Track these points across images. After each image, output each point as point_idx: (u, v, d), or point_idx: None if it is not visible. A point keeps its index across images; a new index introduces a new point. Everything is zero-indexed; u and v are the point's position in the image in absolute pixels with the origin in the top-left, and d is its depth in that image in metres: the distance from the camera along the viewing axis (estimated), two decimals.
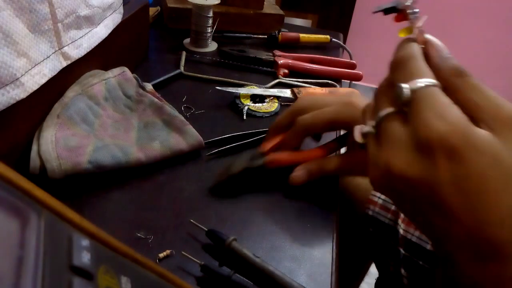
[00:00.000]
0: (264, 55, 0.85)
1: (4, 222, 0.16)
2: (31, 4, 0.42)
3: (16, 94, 0.40)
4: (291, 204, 0.50)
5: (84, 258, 0.18)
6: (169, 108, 0.56)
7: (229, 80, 0.76)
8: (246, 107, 0.67)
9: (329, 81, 0.81)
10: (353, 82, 0.87)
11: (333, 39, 0.99)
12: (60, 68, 0.48)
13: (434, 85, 0.26)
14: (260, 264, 0.39)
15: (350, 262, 0.87)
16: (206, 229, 0.42)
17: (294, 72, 0.82)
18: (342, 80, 0.86)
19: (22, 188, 0.18)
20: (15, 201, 0.17)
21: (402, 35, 0.30)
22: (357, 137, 0.31)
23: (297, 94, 0.71)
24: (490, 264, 0.25)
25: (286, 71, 0.81)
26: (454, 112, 0.25)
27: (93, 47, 0.55)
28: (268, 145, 0.51)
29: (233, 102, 0.68)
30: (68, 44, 0.50)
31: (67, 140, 0.47)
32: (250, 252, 0.40)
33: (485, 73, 2.29)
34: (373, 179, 0.30)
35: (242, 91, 0.70)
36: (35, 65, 0.43)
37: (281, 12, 1.00)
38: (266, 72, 0.82)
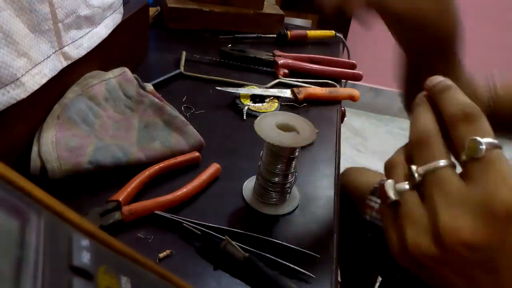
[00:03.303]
0: (264, 55, 0.85)
1: (4, 222, 0.16)
2: (31, 4, 0.42)
3: (17, 94, 0.40)
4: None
5: (84, 258, 0.18)
6: (169, 108, 0.56)
7: (229, 80, 0.76)
8: (246, 107, 0.66)
9: (329, 81, 0.81)
10: (353, 82, 0.87)
11: (337, 34, 1.01)
12: (61, 68, 0.48)
13: (497, 147, 0.25)
14: (259, 266, 0.39)
15: (359, 268, 0.87)
16: (199, 233, 0.42)
17: (294, 72, 0.82)
18: (342, 80, 0.86)
19: (22, 188, 0.18)
20: (15, 201, 0.17)
21: None
22: (391, 193, 0.27)
23: (297, 94, 0.71)
24: None
25: (286, 71, 0.81)
26: None
27: (93, 47, 0.55)
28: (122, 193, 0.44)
29: (233, 102, 0.68)
30: (69, 44, 0.50)
31: (67, 140, 0.47)
32: (243, 254, 0.40)
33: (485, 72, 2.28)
34: (415, 245, 0.26)
35: (242, 91, 0.70)
36: (36, 65, 0.43)
37: (281, 12, 1.00)
38: (266, 72, 0.82)
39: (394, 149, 0.31)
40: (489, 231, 0.23)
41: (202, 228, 0.42)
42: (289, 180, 0.48)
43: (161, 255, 0.40)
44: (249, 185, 0.51)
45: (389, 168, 0.29)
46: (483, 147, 0.24)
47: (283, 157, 0.45)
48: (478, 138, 0.24)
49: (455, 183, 0.25)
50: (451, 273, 0.26)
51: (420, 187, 0.27)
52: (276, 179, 0.46)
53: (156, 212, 0.44)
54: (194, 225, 0.43)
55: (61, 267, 0.17)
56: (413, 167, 0.27)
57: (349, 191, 0.79)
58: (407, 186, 0.26)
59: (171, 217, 0.43)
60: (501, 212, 0.23)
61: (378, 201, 0.68)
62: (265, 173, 0.47)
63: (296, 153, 0.45)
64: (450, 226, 0.24)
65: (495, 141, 0.25)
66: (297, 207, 0.49)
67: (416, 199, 0.26)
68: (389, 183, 0.28)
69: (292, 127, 0.45)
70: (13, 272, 0.15)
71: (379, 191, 0.35)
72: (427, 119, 0.28)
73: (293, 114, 0.47)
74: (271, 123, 0.45)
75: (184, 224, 0.43)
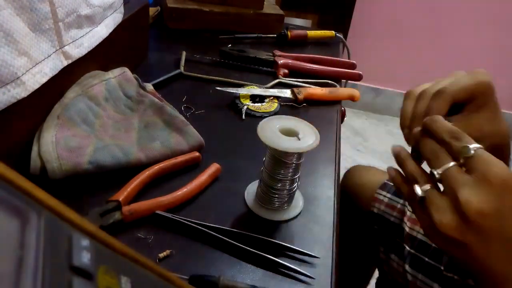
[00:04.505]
0: (264, 55, 0.85)
1: (4, 222, 0.16)
2: (31, 3, 0.42)
3: (17, 93, 0.40)
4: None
5: (84, 258, 0.18)
6: (169, 108, 0.56)
7: (229, 80, 0.76)
8: (245, 107, 0.66)
9: (329, 81, 0.81)
10: (353, 82, 0.87)
11: (337, 34, 1.02)
12: (61, 67, 0.48)
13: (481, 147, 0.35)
14: None
15: (356, 263, 0.88)
16: (187, 277, 0.38)
17: (294, 72, 0.82)
18: (342, 80, 0.86)
19: (22, 188, 0.18)
20: (15, 201, 0.17)
21: None
22: (418, 191, 0.37)
23: (297, 94, 0.71)
24: None
25: (286, 71, 0.81)
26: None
27: (94, 46, 0.55)
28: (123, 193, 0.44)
29: (233, 102, 0.68)
30: (69, 43, 0.50)
31: (67, 140, 0.47)
32: (245, 284, 0.38)
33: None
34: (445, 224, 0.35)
35: (242, 91, 0.70)
36: (36, 64, 0.43)
37: (281, 12, 1.00)
38: (266, 72, 0.82)
39: None
40: (491, 198, 0.33)
41: (202, 228, 0.42)
42: (292, 186, 0.46)
43: (161, 255, 0.40)
44: (251, 190, 0.50)
45: (411, 175, 0.39)
46: (472, 147, 0.35)
47: (286, 163, 0.44)
48: (467, 144, 0.35)
49: (463, 174, 0.35)
50: (472, 238, 0.34)
51: (436, 185, 0.37)
52: (279, 185, 0.45)
53: (157, 212, 0.44)
54: (194, 225, 0.43)
55: (61, 267, 0.17)
56: (433, 171, 0.37)
57: (354, 188, 0.80)
58: (429, 186, 0.37)
59: (172, 217, 0.43)
60: (496, 181, 0.33)
61: (388, 195, 0.70)
62: (267, 179, 0.46)
63: (300, 159, 0.44)
64: (466, 200, 0.33)
65: (478, 145, 0.35)
66: (299, 213, 0.48)
67: (436, 192, 0.36)
68: (416, 186, 0.38)
69: (296, 132, 0.43)
70: (13, 272, 0.15)
71: (396, 188, 0.42)
72: (431, 143, 0.38)
73: (297, 118, 0.46)
74: (274, 127, 0.43)
75: (185, 224, 0.43)
